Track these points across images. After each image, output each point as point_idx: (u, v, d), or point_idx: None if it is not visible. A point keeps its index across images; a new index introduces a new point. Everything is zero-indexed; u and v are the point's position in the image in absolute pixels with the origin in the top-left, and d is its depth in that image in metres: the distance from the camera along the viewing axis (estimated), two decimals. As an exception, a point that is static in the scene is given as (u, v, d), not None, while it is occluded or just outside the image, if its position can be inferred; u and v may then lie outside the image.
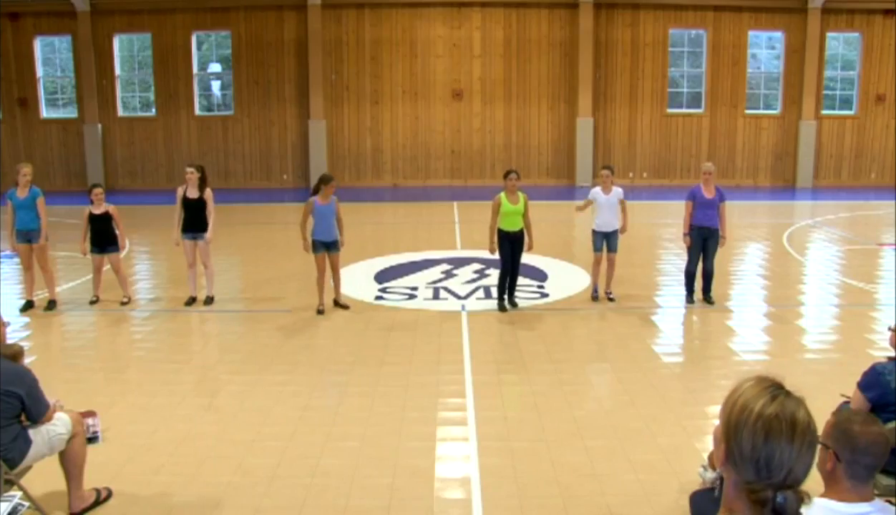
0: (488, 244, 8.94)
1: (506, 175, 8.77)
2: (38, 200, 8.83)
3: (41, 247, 8.98)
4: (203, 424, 5.68)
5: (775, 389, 1.54)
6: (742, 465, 1.50)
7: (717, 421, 1.64)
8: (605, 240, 9.16)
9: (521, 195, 8.72)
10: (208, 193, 9.04)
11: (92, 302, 9.24)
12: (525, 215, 8.74)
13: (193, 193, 8.98)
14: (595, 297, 9.30)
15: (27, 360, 4.78)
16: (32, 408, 4.14)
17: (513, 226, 8.71)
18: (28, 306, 9.07)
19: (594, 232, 9.21)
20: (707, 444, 5.09)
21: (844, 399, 4.42)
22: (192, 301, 9.22)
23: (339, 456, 5.08)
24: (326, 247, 8.82)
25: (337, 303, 9.05)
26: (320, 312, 8.82)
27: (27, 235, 8.90)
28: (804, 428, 1.50)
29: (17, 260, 8.97)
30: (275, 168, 23.59)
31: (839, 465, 2.48)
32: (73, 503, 4.34)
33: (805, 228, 15.43)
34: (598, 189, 9.16)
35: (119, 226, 9.22)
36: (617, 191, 9.13)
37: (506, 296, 8.95)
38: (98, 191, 9.14)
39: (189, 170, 9.05)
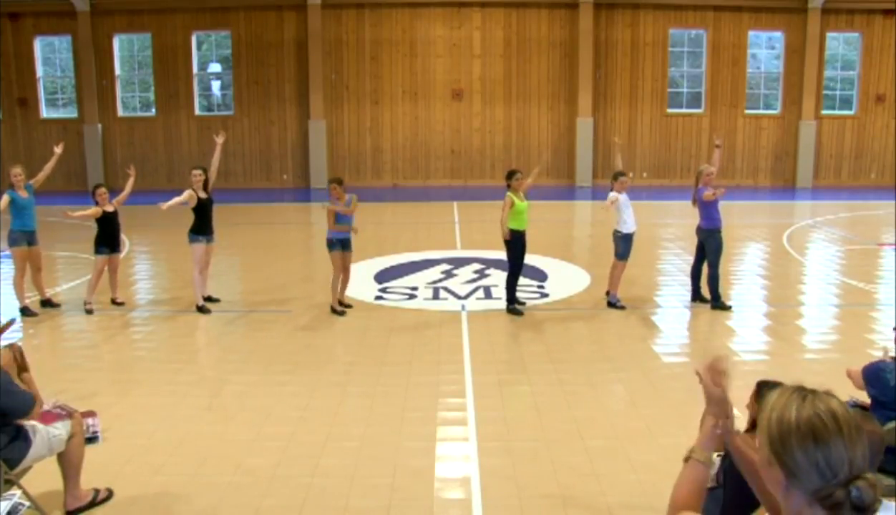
0: (503, 234, 8.57)
1: (512, 174, 8.65)
2: (33, 189, 8.97)
3: (38, 250, 9.03)
4: (203, 424, 5.68)
5: (801, 391, 1.52)
6: (805, 476, 1.47)
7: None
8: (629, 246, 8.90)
9: (522, 193, 8.75)
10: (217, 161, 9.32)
11: (88, 311, 8.94)
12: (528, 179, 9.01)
13: (202, 194, 8.93)
14: (620, 305, 8.94)
15: (27, 360, 4.76)
16: (10, 405, 4.06)
17: (523, 224, 8.67)
18: (25, 312, 8.87)
19: (627, 235, 8.82)
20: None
21: (849, 399, 4.43)
22: (207, 300, 9.08)
23: (339, 456, 5.08)
24: (342, 245, 8.84)
25: (340, 302, 9.03)
26: (339, 312, 8.78)
27: (29, 236, 8.90)
28: (846, 418, 1.47)
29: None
30: (275, 168, 23.60)
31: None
32: (68, 501, 4.34)
33: (805, 228, 15.43)
34: (614, 193, 8.82)
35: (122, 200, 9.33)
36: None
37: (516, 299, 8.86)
38: (102, 190, 9.02)
39: (196, 171, 8.98)
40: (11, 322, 4.67)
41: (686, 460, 1.95)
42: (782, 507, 1.54)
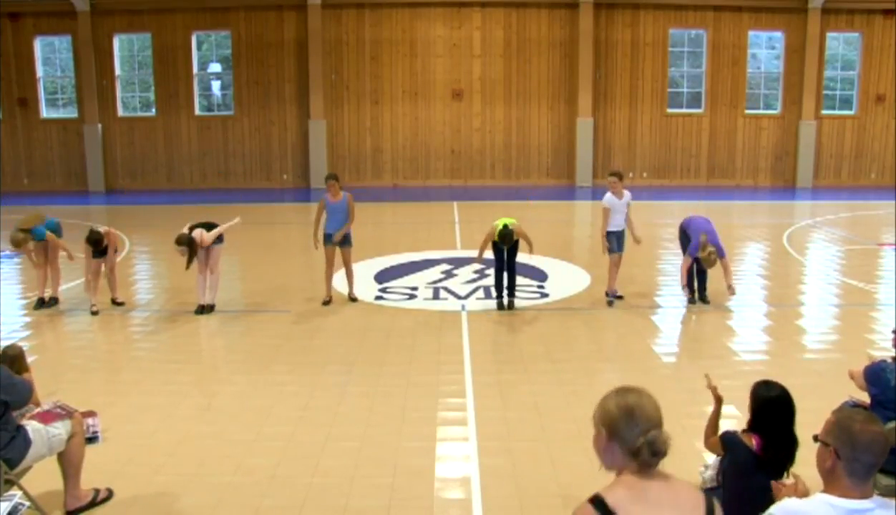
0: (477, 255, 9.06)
1: (500, 236, 8.58)
2: (48, 235, 8.91)
3: (56, 245, 9.10)
4: (203, 424, 5.68)
5: (617, 389, 2.26)
6: (618, 431, 2.15)
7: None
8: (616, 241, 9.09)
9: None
10: (204, 239, 8.64)
11: (94, 313, 8.89)
12: (524, 238, 8.76)
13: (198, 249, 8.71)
14: (611, 302, 9.09)
15: (28, 360, 4.77)
16: (12, 397, 4.07)
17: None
18: (41, 304, 9.09)
19: (608, 233, 9.02)
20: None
21: (849, 398, 4.43)
22: (201, 310, 8.86)
23: (339, 456, 5.08)
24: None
25: (350, 297, 9.39)
26: (326, 303, 9.12)
27: (43, 233, 8.96)
28: (647, 395, 2.21)
29: (16, 259, 8.94)
30: (275, 168, 23.60)
31: (839, 463, 2.49)
32: (67, 501, 4.35)
33: (805, 228, 15.43)
34: (609, 195, 8.98)
35: (112, 244, 9.05)
36: (627, 195, 9.08)
37: (504, 293, 8.94)
38: (98, 239, 8.80)
39: (179, 249, 8.52)
40: None
41: None
42: (613, 466, 2.20)
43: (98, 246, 8.76)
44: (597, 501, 2.10)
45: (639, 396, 2.20)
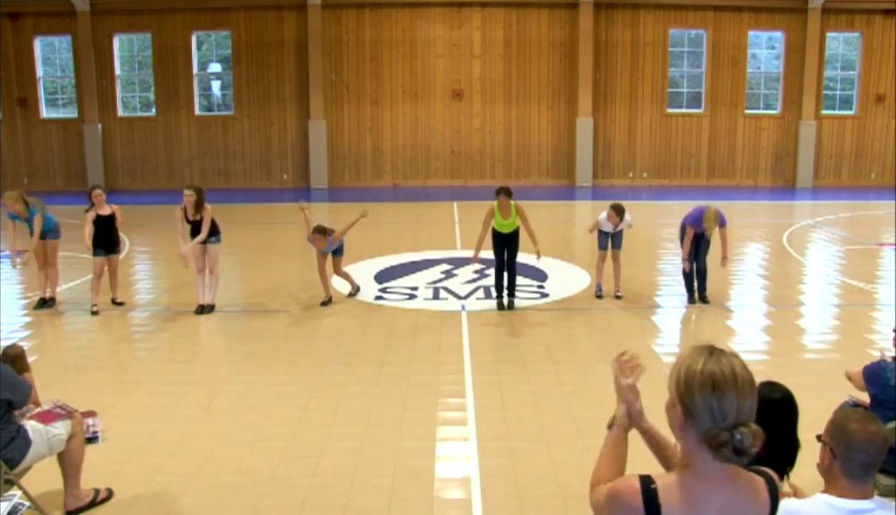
0: (473, 252, 9.02)
1: (496, 193, 8.73)
2: (35, 218, 8.86)
3: (53, 245, 9.10)
4: (203, 424, 5.68)
5: (709, 349, 1.78)
6: (699, 417, 1.71)
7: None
8: (610, 239, 9.31)
9: (512, 209, 8.74)
10: (207, 210, 8.75)
11: (94, 313, 8.87)
12: (525, 223, 8.76)
13: (193, 215, 8.75)
14: (599, 296, 9.37)
15: (28, 360, 4.76)
16: (14, 396, 4.09)
17: (507, 229, 8.80)
18: (42, 304, 9.13)
19: (599, 231, 9.40)
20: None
21: (849, 398, 4.44)
22: (201, 310, 8.88)
23: (339, 456, 5.08)
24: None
25: (350, 293, 9.61)
26: (325, 303, 9.20)
27: (42, 233, 8.96)
28: (742, 376, 1.73)
29: (18, 259, 8.93)
30: (275, 168, 23.60)
31: (836, 462, 2.49)
32: (67, 501, 4.35)
33: (805, 228, 15.43)
34: (604, 218, 9.22)
35: (119, 227, 9.18)
36: (624, 223, 9.24)
37: (504, 294, 8.95)
38: (98, 192, 8.93)
39: (187, 192, 8.69)
40: None
41: (610, 426, 2.20)
42: (680, 446, 1.81)
43: (90, 201, 8.88)
44: (646, 483, 1.76)
45: (731, 370, 1.71)
